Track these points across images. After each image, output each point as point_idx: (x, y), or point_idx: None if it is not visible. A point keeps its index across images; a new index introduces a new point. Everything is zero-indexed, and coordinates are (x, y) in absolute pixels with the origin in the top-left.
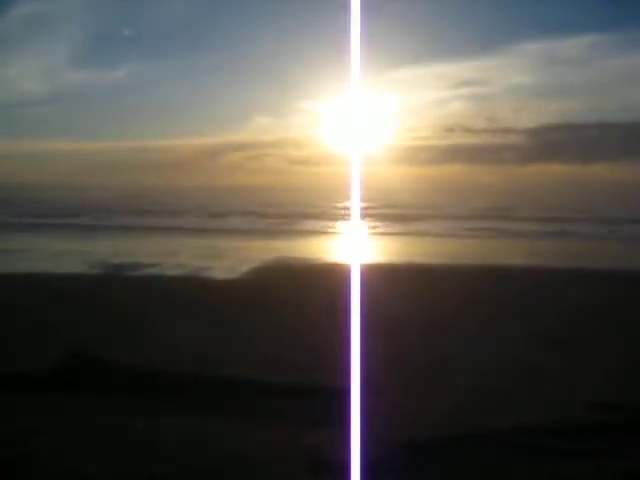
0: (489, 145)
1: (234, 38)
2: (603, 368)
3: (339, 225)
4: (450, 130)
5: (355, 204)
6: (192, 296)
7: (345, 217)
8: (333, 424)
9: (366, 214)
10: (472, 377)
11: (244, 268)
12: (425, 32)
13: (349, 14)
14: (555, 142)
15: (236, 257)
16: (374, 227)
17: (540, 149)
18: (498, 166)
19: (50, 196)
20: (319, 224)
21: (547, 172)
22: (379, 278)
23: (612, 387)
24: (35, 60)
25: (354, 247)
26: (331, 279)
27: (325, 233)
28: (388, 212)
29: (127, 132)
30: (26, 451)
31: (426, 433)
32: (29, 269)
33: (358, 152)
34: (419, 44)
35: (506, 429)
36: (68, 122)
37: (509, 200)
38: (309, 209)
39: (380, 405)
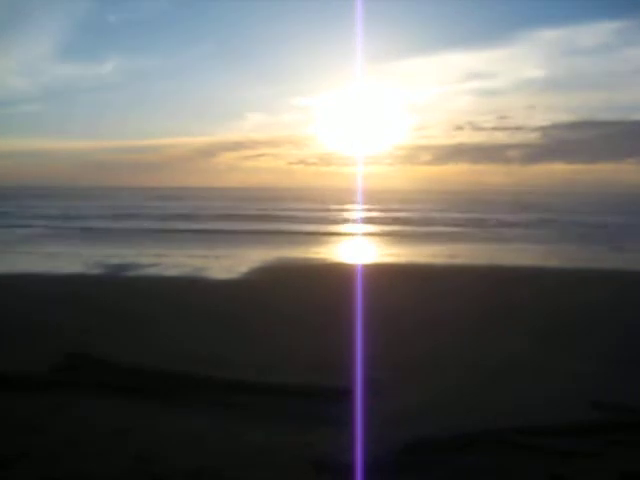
0: (500, 144)
1: (225, 29)
2: (603, 367)
3: (340, 225)
4: (459, 128)
5: (357, 205)
6: (192, 296)
7: (346, 218)
8: (334, 424)
9: (367, 215)
10: (473, 377)
11: (244, 268)
12: (428, 20)
13: (349, 3)
14: (571, 141)
15: (236, 257)
16: (376, 228)
17: (553, 148)
18: (508, 165)
19: (39, 197)
20: (319, 224)
21: (563, 171)
22: (380, 278)
23: (612, 387)
24: (18, 54)
25: (355, 248)
26: (332, 279)
27: (326, 234)
28: (390, 212)
29: (114, 131)
30: (25, 450)
31: (426, 433)
32: (27, 269)
33: (360, 152)
34: (421, 33)
35: (506, 429)
36: (56, 120)
37: (518, 201)
38: (309, 209)
39: (381, 405)
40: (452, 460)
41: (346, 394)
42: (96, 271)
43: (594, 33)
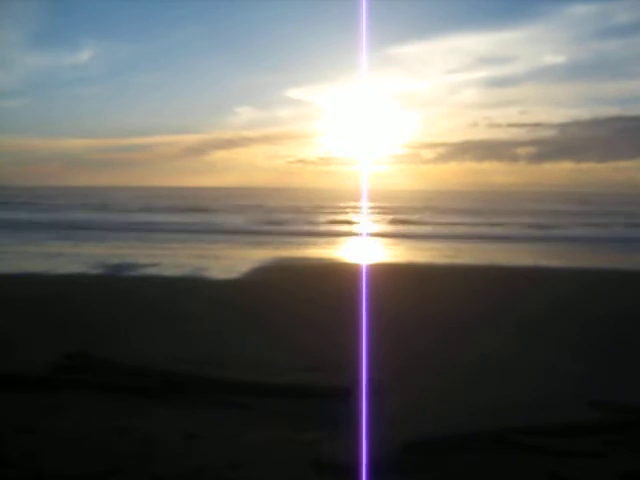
0: (513, 141)
1: (213, 12)
2: (603, 368)
3: (341, 226)
4: (474, 125)
5: (358, 205)
6: (191, 296)
7: (347, 218)
8: (334, 424)
9: (368, 215)
10: (472, 377)
11: (244, 268)
12: None
13: None
14: (593, 138)
15: (235, 257)
16: (377, 228)
17: (568, 146)
18: (524, 164)
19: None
20: (320, 225)
21: (576, 170)
22: (380, 278)
23: (613, 387)
24: None
25: (357, 248)
26: (332, 279)
27: (327, 234)
28: (391, 213)
29: (99, 128)
30: (25, 451)
31: (426, 433)
32: (28, 269)
33: (361, 151)
34: (424, 14)
35: (506, 429)
36: (34, 117)
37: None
38: (310, 209)
39: (381, 405)
40: (452, 460)
41: (346, 394)
42: (97, 271)
43: (633, 7)
